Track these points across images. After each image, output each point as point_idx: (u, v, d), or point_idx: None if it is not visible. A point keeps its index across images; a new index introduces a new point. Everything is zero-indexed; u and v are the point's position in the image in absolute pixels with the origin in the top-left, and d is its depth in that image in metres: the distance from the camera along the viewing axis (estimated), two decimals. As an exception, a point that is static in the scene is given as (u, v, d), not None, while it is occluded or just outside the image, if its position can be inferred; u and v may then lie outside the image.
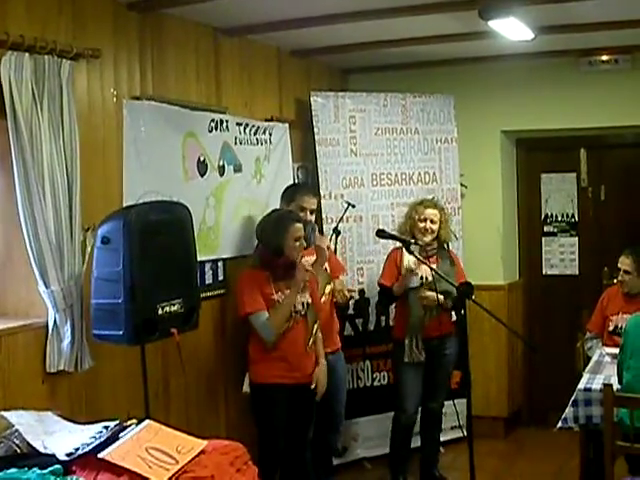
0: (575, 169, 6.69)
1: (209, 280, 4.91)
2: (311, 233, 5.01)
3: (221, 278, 5.01)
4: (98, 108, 4.13)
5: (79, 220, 3.82)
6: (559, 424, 4.47)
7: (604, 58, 6.01)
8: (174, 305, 3.87)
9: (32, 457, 2.90)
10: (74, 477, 2.77)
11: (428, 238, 5.13)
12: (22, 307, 3.88)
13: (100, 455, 2.83)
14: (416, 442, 5.45)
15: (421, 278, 5.09)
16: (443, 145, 6.21)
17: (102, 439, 2.95)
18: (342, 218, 5.54)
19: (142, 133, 4.35)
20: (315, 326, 4.61)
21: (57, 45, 3.70)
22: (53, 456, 2.89)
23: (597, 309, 5.48)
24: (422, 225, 5.15)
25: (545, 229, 6.82)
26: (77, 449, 2.91)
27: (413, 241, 5.01)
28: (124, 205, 4.14)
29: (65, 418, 3.36)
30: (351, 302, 5.65)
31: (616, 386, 4.19)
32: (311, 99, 5.75)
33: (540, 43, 5.37)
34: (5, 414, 3.14)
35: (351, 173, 5.87)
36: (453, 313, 5.19)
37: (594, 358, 5.02)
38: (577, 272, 6.73)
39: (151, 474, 2.77)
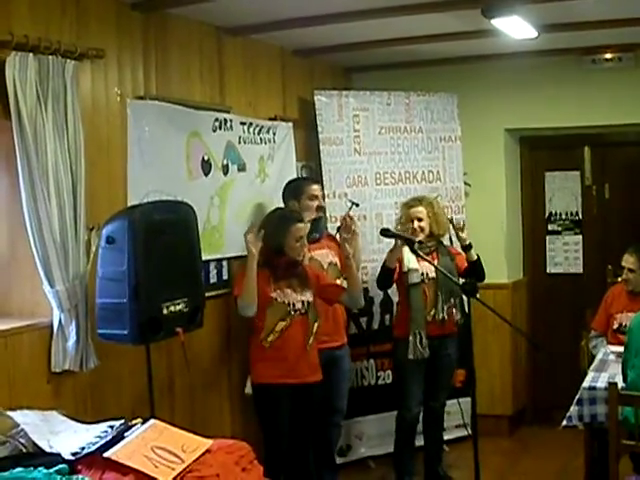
0: (579, 167, 6.68)
1: (213, 279, 4.91)
2: (321, 223, 5.07)
3: (225, 277, 5.01)
4: (102, 108, 4.13)
5: (84, 220, 3.82)
6: (564, 422, 4.47)
7: (607, 56, 6.00)
8: (179, 304, 3.87)
9: (38, 456, 2.91)
10: (80, 476, 2.77)
11: (420, 237, 5.10)
12: (27, 307, 3.89)
13: (106, 454, 2.84)
14: (419, 441, 5.45)
15: (422, 274, 5.09)
16: (447, 144, 6.20)
17: (107, 438, 2.96)
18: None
19: (146, 133, 4.35)
20: (316, 325, 4.58)
21: (61, 45, 3.70)
22: (59, 455, 2.90)
23: (601, 307, 5.48)
24: (410, 226, 5.12)
25: (549, 227, 6.81)
26: (83, 448, 2.92)
27: (417, 240, 5.00)
28: (128, 205, 4.15)
29: (70, 417, 3.37)
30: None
31: (621, 384, 4.19)
32: (315, 98, 5.75)
33: (543, 41, 5.36)
34: (11, 414, 3.15)
35: (355, 172, 5.87)
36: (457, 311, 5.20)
37: (598, 356, 5.02)
38: (581, 270, 6.73)
39: (157, 473, 2.78)
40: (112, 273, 3.70)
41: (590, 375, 4.62)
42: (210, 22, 4.90)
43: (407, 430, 5.25)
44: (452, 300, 5.14)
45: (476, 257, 5.19)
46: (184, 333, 3.92)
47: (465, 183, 6.29)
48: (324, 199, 5.30)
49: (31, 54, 3.57)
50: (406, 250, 4.93)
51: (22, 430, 3.04)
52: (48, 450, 2.95)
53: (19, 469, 2.74)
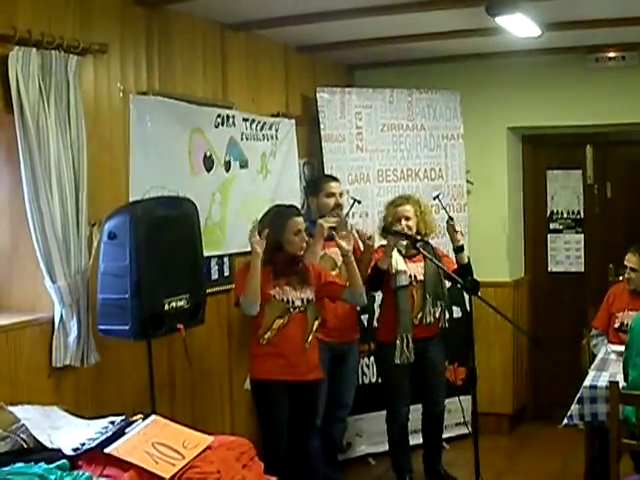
0: (581, 166, 6.67)
1: (215, 275, 4.91)
2: (343, 218, 5.06)
3: (227, 274, 5.01)
4: (105, 103, 4.13)
5: (86, 215, 3.83)
6: (564, 421, 4.47)
7: (611, 55, 5.99)
8: (180, 300, 3.88)
9: (38, 452, 2.91)
10: (80, 472, 2.77)
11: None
12: (28, 302, 3.89)
13: (106, 450, 2.84)
14: (416, 439, 5.43)
15: (410, 277, 5.03)
16: (449, 141, 6.20)
17: (108, 434, 2.97)
18: (348, 214, 5.52)
19: (148, 128, 4.35)
20: (316, 323, 4.54)
21: (64, 40, 3.70)
22: (59, 451, 2.90)
23: (603, 306, 5.47)
24: (398, 226, 4.99)
25: (551, 226, 6.80)
26: (83, 444, 2.92)
27: (419, 237, 4.99)
28: (130, 200, 4.14)
29: (71, 413, 3.37)
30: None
31: (622, 383, 4.19)
32: (317, 95, 5.75)
33: (547, 40, 5.35)
34: (11, 409, 3.16)
35: (357, 169, 5.87)
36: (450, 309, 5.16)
37: (600, 355, 5.02)
38: (583, 269, 6.72)
39: (157, 469, 2.78)
40: (114, 269, 3.71)
41: (591, 374, 4.62)
42: (213, 18, 4.90)
43: (399, 432, 5.18)
44: (439, 303, 5.08)
45: (467, 260, 5.10)
46: (185, 329, 3.92)
47: (467, 181, 6.30)
48: (341, 197, 5.29)
49: (34, 49, 3.57)
50: (394, 251, 4.90)
51: (23, 425, 3.03)
52: (49, 445, 2.95)
53: (20, 464, 2.74)
